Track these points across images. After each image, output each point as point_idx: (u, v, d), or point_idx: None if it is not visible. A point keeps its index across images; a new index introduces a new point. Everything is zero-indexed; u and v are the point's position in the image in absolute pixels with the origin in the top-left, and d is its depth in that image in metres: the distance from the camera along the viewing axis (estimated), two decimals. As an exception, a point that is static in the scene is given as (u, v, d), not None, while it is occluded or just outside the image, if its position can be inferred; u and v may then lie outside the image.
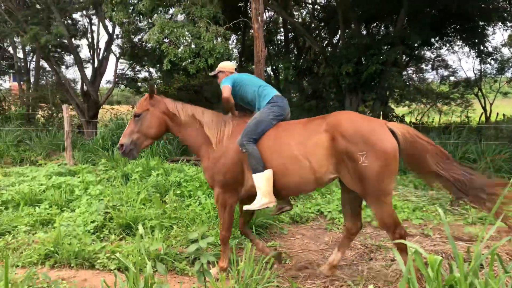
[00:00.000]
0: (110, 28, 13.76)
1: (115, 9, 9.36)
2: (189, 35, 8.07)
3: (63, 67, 17.17)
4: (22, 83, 16.53)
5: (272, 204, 3.56)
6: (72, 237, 4.48)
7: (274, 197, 3.52)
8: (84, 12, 14.15)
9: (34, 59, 16.77)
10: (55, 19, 12.03)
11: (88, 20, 14.87)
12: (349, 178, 3.22)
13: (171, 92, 14.12)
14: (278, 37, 17.51)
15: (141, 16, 10.31)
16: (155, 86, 3.86)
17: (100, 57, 14.21)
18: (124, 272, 3.59)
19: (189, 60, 8.18)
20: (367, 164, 3.07)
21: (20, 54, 16.53)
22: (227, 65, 4.28)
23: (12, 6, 12.30)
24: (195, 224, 5.05)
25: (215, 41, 8.17)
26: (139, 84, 16.76)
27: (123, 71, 16.02)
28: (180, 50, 8.13)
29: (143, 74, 16.99)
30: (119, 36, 14.76)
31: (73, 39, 13.82)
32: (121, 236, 4.78)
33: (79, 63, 13.54)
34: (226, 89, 3.87)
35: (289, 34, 16.18)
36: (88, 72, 14.54)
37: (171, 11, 9.98)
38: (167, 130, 3.97)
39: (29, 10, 12.86)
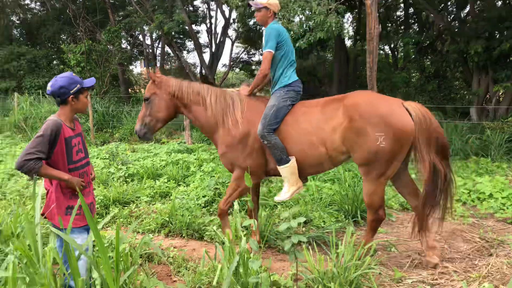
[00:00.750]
0: (226, 13, 14.30)
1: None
2: (300, 9, 7.94)
3: (185, 52, 18.34)
4: (150, 68, 18.12)
5: (301, 189, 3.60)
6: (185, 209, 4.78)
7: (301, 182, 3.57)
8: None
9: (160, 46, 18.23)
10: (177, 7, 12.84)
11: (206, 6, 15.59)
12: (360, 157, 3.18)
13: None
14: (398, 13, 16.38)
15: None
16: (153, 70, 3.77)
17: (217, 41, 14.87)
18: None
19: (300, 35, 8.07)
20: (384, 145, 3.05)
21: (148, 41, 18.12)
22: (274, 1, 3.70)
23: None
24: (298, 205, 5.02)
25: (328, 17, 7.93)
26: (253, 67, 17.21)
27: (238, 55, 16.53)
28: (292, 25, 8.06)
29: (258, 57, 17.42)
30: (235, 20, 15.25)
31: (193, 25, 14.65)
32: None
33: (198, 48, 14.32)
34: (267, 58, 3.55)
35: (409, 9, 15.01)
36: (206, 56, 15.37)
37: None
38: (178, 111, 3.88)
39: (156, 0, 13.91)
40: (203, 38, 17.54)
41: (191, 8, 15.56)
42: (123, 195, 5.25)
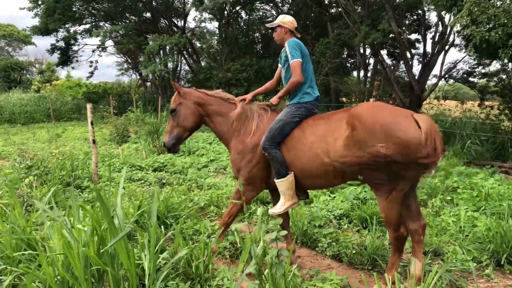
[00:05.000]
0: (446, 20, 13.14)
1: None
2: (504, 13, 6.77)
3: (393, 61, 17.71)
4: (361, 77, 18.25)
5: (296, 205, 3.59)
6: (319, 218, 4.86)
7: (296, 198, 3.56)
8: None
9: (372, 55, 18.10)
10: (384, 17, 12.60)
11: (421, 14, 14.69)
12: (361, 169, 3.04)
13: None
14: None
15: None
16: (178, 82, 3.60)
17: (430, 50, 13.85)
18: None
19: (501, 43, 6.89)
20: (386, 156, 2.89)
21: (362, 50, 18.22)
22: (288, 20, 3.77)
23: (351, 8, 13.75)
24: (443, 235, 4.41)
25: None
26: (476, 79, 15.20)
27: (454, 64, 14.95)
28: (490, 32, 6.96)
29: (487, 69, 15.27)
30: (453, 28, 13.83)
31: (403, 34, 14.06)
32: (357, 228, 4.78)
33: (405, 57, 13.67)
34: (298, 66, 3.56)
35: None
36: (418, 66, 14.46)
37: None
38: (202, 121, 4.00)
39: (364, 11, 13.99)
40: (420, 47, 16.43)
41: (397, 18, 14.92)
42: (266, 195, 5.69)
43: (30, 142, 13.09)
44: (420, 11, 14.92)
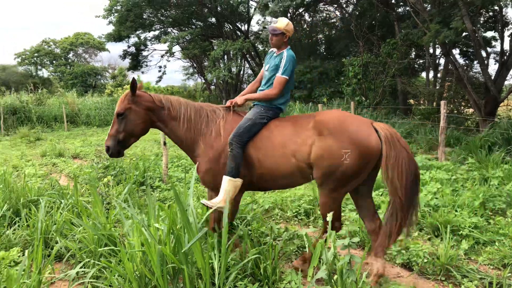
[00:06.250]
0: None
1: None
2: None
3: (466, 61, 16.75)
4: (431, 78, 17.44)
5: (223, 209, 3.33)
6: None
7: (230, 204, 3.36)
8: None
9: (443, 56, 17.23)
10: (456, 14, 11.95)
11: (499, 10, 13.77)
12: (321, 170, 3.24)
13: None
14: None
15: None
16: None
17: (508, 48, 12.93)
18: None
19: None
20: (348, 161, 3.13)
21: (433, 51, 17.42)
22: (290, 27, 3.73)
23: (420, 6, 13.20)
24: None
25: None
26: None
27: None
28: None
29: None
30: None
31: (477, 33, 13.26)
32: (429, 236, 4.58)
33: (480, 56, 12.87)
34: (283, 84, 3.66)
35: None
36: (494, 65, 13.58)
37: None
38: (154, 126, 3.79)
39: (435, 9, 13.38)
40: (496, 45, 15.39)
41: (472, 14, 14.05)
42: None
43: (105, 143, 13.93)
44: (496, 7, 13.98)
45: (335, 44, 21.14)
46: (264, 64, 4.02)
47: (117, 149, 3.62)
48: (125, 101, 3.61)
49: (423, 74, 18.52)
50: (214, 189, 3.63)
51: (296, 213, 5.42)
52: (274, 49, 3.91)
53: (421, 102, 18.37)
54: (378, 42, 16.44)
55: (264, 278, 3.33)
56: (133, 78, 3.54)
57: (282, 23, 3.71)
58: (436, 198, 5.51)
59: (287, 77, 3.66)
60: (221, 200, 3.40)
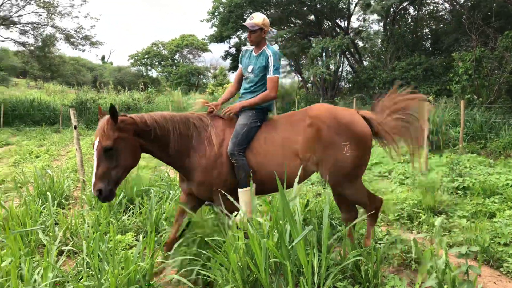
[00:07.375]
0: None
1: None
2: None
3: None
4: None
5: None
6: (504, 235, 4.31)
7: (252, 215, 3.17)
8: None
9: None
10: None
11: None
12: (327, 167, 3.31)
13: None
14: None
15: None
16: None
17: None
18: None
19: None
20: (350, 153, 3.25)
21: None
22: (267, 22, 3.64)
23: None
24: None
25: None
26: None
27: None
28: None
29: None
30: None
31: None
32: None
33: None
34: (277, 83, 3.59)
35: None
36: None
37: None
38: (143, 151, 3.31)
39: None
40: None
41: None
42: (439, 204, 5.26)
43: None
44: None
45: (442, 39, 19.69)
46: (240, 65, 3.87)
47: (109, 189, 3.05)
48: (110, 132, 3.03)
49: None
50: (210, 198, 3.47)
51: (398, 217, 5.18)
52: (250, 48, 3.80)
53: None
54: (494, 35, 14.95)
55: (365, 281, 3.24)
56: (111, 104, 3.03)
57: (259, 18, 3.61)
58: None
59: (279, 75, 3.64)
60: (246, 213, 3.23)
